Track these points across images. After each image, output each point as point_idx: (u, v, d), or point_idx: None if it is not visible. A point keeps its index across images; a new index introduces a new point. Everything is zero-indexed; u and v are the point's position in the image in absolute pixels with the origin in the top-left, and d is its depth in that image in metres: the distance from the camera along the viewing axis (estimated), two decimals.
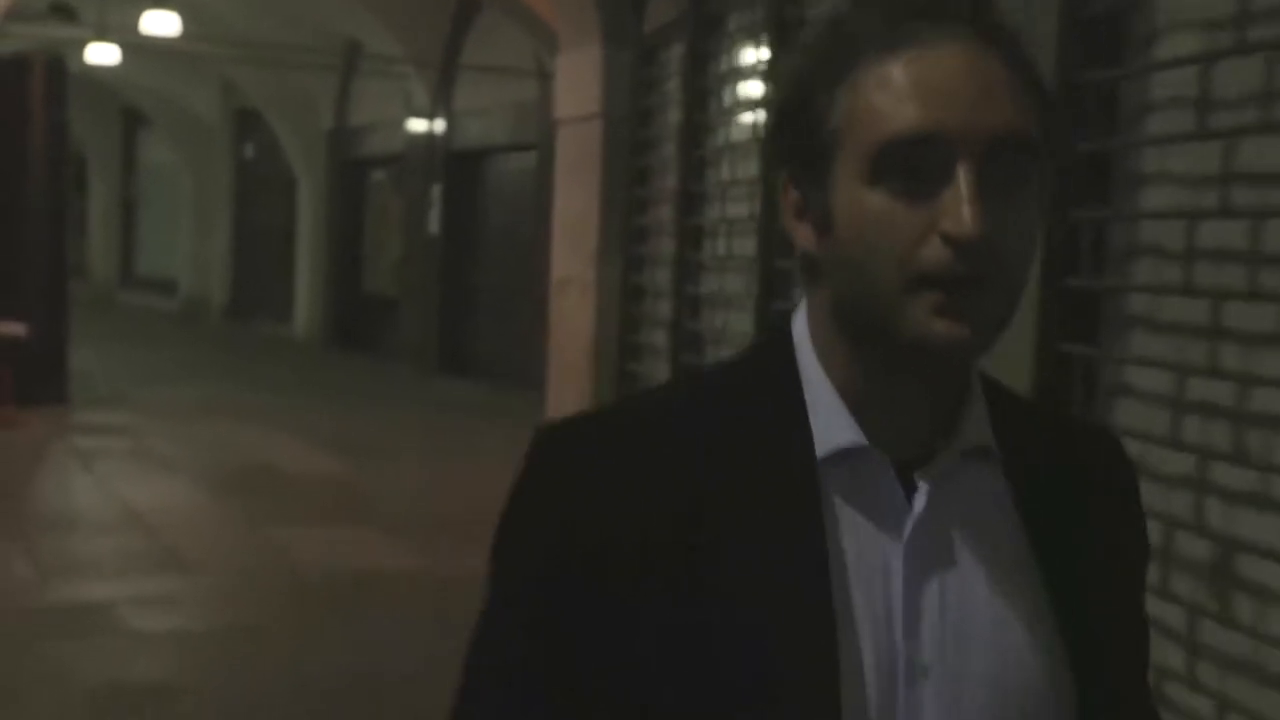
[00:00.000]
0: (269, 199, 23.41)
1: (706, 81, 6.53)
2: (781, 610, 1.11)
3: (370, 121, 19.80)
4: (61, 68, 12.96)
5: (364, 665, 6.09)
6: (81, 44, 16.63)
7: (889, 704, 1.13)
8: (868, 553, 1.15)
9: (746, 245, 6.09)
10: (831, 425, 1.16)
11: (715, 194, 6.38)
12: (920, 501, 1.16)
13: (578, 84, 8.12)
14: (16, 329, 11.91)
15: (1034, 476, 1.23)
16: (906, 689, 1.14)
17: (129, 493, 9.80)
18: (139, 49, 16.96)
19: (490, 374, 16.23)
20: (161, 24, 14.92)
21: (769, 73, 5.67)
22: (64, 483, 10.32)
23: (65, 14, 15.48)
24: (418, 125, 17.87)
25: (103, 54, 16.67)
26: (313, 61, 18.45)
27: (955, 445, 1.18)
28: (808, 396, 1.18)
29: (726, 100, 6.41)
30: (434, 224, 17.80)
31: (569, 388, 8.27)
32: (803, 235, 1.17)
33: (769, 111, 1.25)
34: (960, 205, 1.07)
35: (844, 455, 1.16)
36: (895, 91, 1.09)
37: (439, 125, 17.59)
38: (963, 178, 1.08)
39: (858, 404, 1.17)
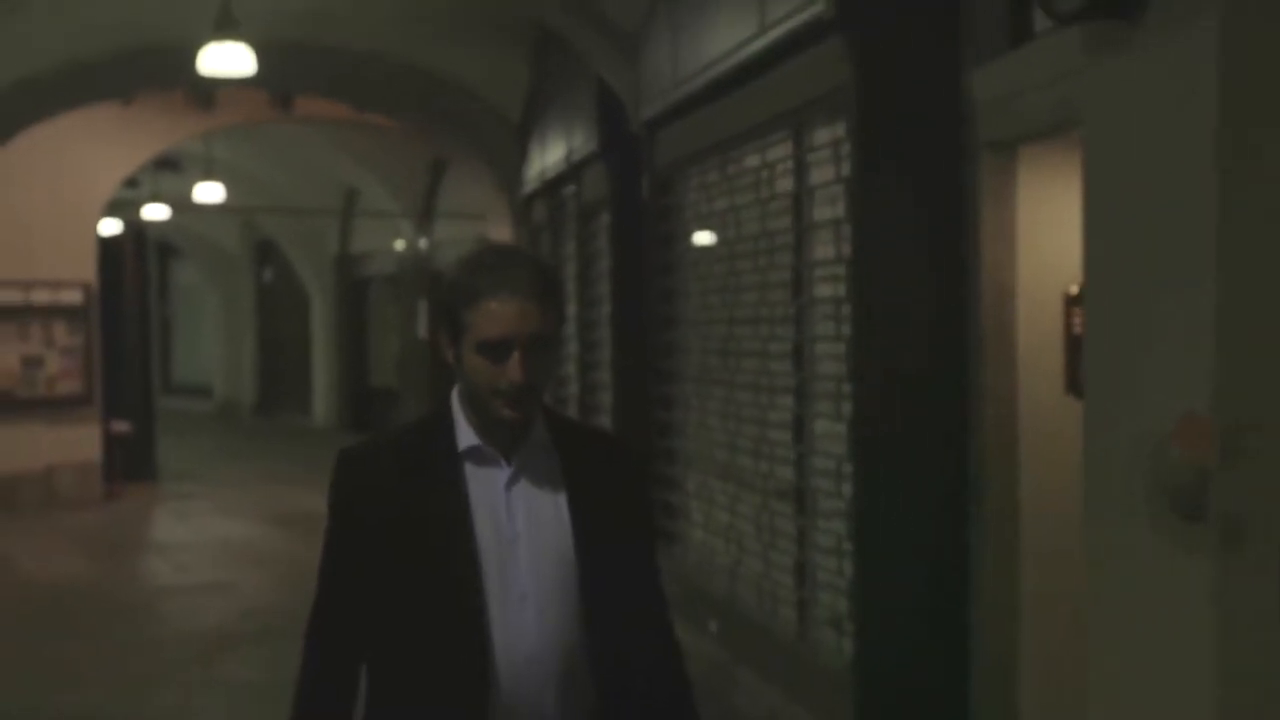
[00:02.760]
0: (287, 313, 28.07)
1: (563, 253, 11.24)
2: (442, 515, 2.61)
3: (368, 249, 24.51)
4: (144, 233, 17.80)
5: None
6: (139, 205, 21.38)
7: (503, 554, 2.62)
8: (489, 490, 2.64)
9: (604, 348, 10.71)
10: (464, 437, 2.66)
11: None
12: (513, 465, 2.66)
13: None
14: (124, 426, 16.67)
15: (572, 456, 2.72)
16: (510, 546, 2.63)
17: (214, 528, 14.50)
18: (183, 205, 21.67)
19: None
20: (210, 193, 19.64)
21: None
22: (171, 526, 15.01)
23: (130, 182, 20.13)
24: (406, 251, 22.61)
25: (156, 212, 21.41)
26: (320, 208, 23.36)
27: (528, 443, 2.67)
28: (456, 427, 2.68)
29: (571, 267, 11.06)
30: (421, 328, 22.46)
31: None
32: (450, 357, 2.63)
33: (432, 300, 3.45)
34: (515, 368, 2.53)
35: (473, 450, 2.66)
36: (488, 317, 2.54)
37: (422, 250, 22.33)
38: (516, 355, 2.54)
39: (479, 430, 2.65)
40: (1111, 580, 3.56)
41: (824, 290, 5.47)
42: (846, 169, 5.16)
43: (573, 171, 9.76)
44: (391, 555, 2.62)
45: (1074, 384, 4.96)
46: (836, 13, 4.93)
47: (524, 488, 2.66)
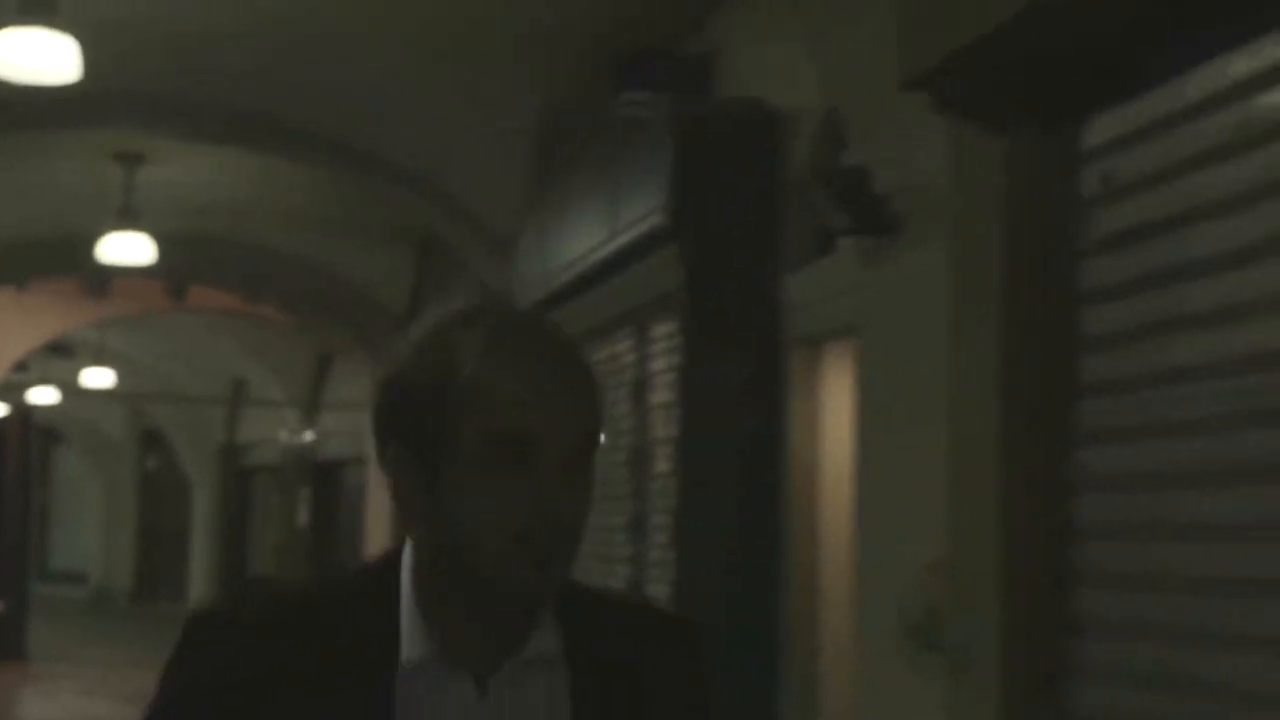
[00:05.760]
0: (168, 501, 28.21)
1: None
2: None
3: (254, 439, 24.86)
4: (30, 418, 18.08)
5: None
6: (25, 388, 21.58)
7: None
8: None
9: None
10: (411, 642, 1.46)
11: None
12: (488, 696, 1.47)
13: None
14: None
15: (593, 670, 1.53)
16: None
17: (79, 706, 14.68)
18: (71, 390, 21.93)
19: None
20: (99, 378, 19.94)
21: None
22: (38, 704, 15.10)
23: (19, 365, 20.39)
24: (290, 441, 22.98)
25: (44, 396, 21.63)
26: (208, 397, 23.75)
27: (521, 657, 1.49)
28: (400, 619, 1.46)
29: None
30: (303, 517, 22.76)
31: None
32: (404, 489, 1.44)
33: (377, 390, 1.43)
34: (553, 485, 1.38)
35: (423, 664, 1.46)
36: (505, 397, 1.36)
37: (307, 441, 22.71)
38: (558, 467, 1.38)
39: (443, 626, 1.46)
40: (873, 705, 4.17)
41: (661, 466, 6.11)
42: (678, 359, 5.84)
43: None
44: None
45: None
46: (672, 222, 5.66)
47: None
